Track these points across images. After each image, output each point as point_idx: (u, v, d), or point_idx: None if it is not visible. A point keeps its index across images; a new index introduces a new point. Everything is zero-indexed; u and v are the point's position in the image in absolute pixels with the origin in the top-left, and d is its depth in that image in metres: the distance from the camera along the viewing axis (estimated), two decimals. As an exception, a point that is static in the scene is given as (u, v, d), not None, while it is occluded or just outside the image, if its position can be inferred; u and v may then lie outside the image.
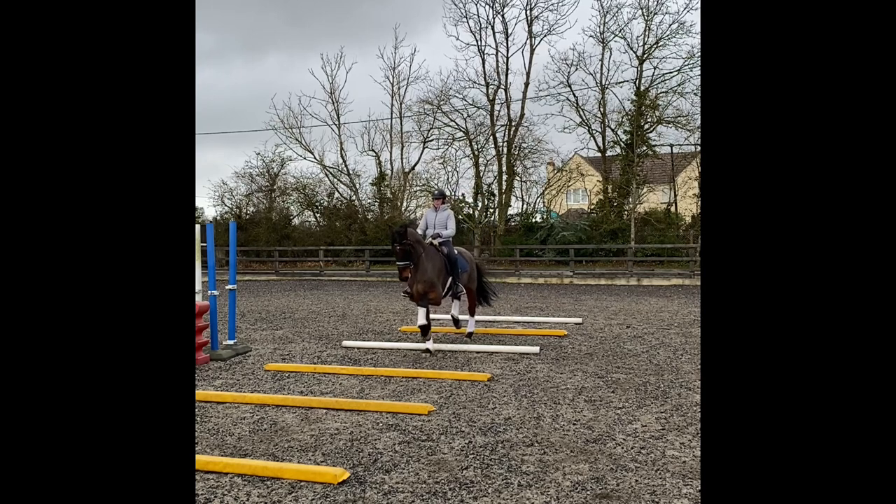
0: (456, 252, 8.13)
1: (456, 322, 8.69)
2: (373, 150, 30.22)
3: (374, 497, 3.40)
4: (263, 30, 46.82)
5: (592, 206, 28.69)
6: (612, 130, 27.06)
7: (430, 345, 7.47)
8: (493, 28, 27.32)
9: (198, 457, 3.86)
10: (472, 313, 8.68)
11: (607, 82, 26.56)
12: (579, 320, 10.19)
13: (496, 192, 27.94)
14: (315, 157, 30.30)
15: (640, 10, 25.20)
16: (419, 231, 8.02)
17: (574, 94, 26.78)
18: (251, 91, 46.66)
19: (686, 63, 24.93)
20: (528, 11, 26.63)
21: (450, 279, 7.82)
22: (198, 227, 7.50)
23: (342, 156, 30.00)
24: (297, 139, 30.17)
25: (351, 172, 30.41)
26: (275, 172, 31.69)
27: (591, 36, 30.73)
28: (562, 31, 58.30)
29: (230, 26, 47.30)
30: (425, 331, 7.47)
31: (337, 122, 30.01)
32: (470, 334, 8.51)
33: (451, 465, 3.84)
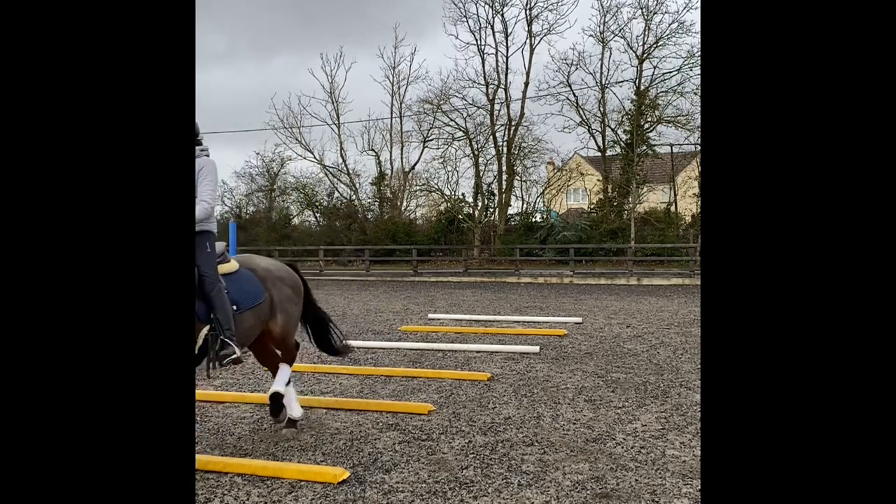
0: (236, 267, 4.04)
1: (275, 407, 4.44)
2: (373, 150, 30.24)
3: (374, 497, 3.40)
4: (272, 31, 46.87)
5: (592, 206, 28.70)
6: (612, 130, 27.09)
7: None
8: (492, 27, 27.39)
9: (198, 457, 3.86)
10: (277, 371, 4.47)
11: (607, 82, 26.60)
12: (579, 320, 10.19)
13: (496, 191, 27.96)
14: (315, 157, 30.32)
15: (639, 10, 25.28)
16: None
17: (574, 94, 26.83)
18: (259, 92, 46.69)
19: (686, 63, 24.96)
20: (528, 11, 26.68)
21: (205, 330, 3.71)
22: (198, 226, 7.48)
23: (342, 155, 30.02)
24: (296, 139, 30.19)
25: (351, 172, 30.43)
26: (275, 172, 31.74)
27: (590, 35, 30.74)
28: (561, 31, 58.32)
29: (240, 28, 47.35)
30: None
31: (337, 122, 30.02)
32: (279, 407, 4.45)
33: (451, 465, 3.84)
